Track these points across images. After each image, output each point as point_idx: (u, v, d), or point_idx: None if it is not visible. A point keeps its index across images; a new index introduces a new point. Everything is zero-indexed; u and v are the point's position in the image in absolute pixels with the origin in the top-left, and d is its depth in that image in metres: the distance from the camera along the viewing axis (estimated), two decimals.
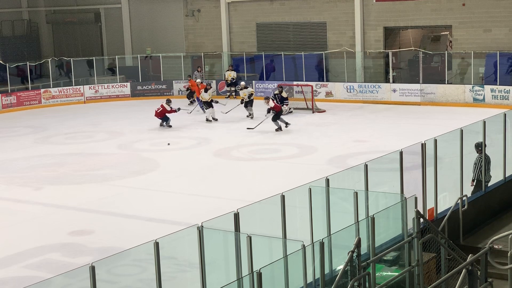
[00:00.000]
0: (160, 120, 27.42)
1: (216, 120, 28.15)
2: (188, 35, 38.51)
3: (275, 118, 25.43)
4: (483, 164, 14.40)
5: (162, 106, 27.37)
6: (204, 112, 28.75)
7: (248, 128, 25.73)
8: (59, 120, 30.16)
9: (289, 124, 25.70)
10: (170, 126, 27.20)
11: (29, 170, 21.23)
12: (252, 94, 28.95)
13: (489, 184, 14.68)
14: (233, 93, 33.76)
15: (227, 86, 34.34)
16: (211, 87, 29.91)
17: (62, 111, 32.66)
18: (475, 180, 14.59)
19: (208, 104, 28.10)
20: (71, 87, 35.23)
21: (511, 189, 15.03)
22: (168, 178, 19.65)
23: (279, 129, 25.48)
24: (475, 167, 14.51)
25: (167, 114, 27.27)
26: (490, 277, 8.98)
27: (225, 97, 33.23)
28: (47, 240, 14.88)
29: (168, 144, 23.69)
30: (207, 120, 28.15)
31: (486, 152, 14.54)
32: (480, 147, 14.52)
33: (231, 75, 34.21)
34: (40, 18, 44.82)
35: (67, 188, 19.13)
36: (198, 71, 34.81)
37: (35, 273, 12.80)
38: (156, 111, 27.36)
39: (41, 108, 33.76)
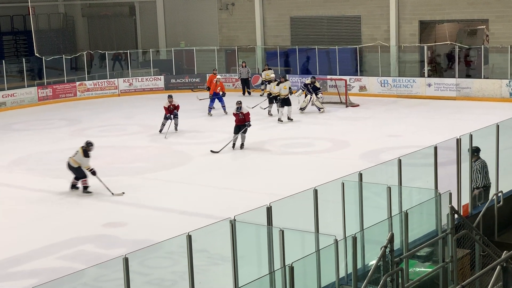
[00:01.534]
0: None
1: (291, 120, 26.53)
2: (221, 28, 38.55)
3: (237, 131, 21.98)
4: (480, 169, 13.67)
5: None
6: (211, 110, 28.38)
7: (212, 151, 21.51)
8: (93, 112, 30.42)
9: (243, 145, 22.25)
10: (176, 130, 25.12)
11: (63, 162, 21.39)
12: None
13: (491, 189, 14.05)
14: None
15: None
16: (285, 80, 27.66)
17: (96, 104, 32.94)
18: (481, 187, 13.75)
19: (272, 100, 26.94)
20: (105, 80, 35.52)
21: None
22: (201, 172, 19.71)
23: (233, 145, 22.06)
24: (479, 173, 13.68)
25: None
26: None
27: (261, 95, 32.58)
28: (81, 231, 15.04)
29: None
30: (279, 120, 26.46)
31: (482, 157, 13.79)
32: (476, 152, 13.58)
33: (269, 74, 31.47)
34: (75, 11, 45.21)
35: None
36: (242, 66, 33.97)
37: (69, 264, 12.94)
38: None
39: (76, 101, 34.08)
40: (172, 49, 37.95)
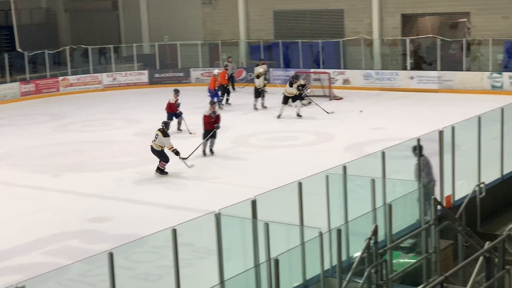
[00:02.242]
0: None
1: (300, 116, 25.78)
2: (205, 23, 38.51)
3: (207, 135, 20.56)
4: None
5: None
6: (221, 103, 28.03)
7: (181, 158, 19.04)
8: (77, 108, 30.32)
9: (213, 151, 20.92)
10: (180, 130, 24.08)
11: (48, 157, 21.38)
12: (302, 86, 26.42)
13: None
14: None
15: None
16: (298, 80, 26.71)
17: (80, 99, 32.82)
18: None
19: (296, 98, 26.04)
20: (89, 75, 35.40)
21: None
22: (185, 166, 19.69)
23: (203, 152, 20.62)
24: (419, 171, 12.90)
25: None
26: (508, 264, 8.96)
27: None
28: (66, 227, 15.02)
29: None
30: (298, 115, 25.83)
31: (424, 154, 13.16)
32: (417, 150, 13.02)
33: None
34: (58, 6, 45.00)
35: (85, 175, 19.25)
36: (229, 62, 33.07)
37: (54, 260, 12.93)
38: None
39: (59, 96, 33.95)
40: (156, 43, 37.87)
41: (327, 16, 34.91)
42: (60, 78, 34.87)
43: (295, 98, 26.05)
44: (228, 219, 9.51)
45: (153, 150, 18.45)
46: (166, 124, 18.74)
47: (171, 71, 36.33)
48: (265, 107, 27.89)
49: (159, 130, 18.45)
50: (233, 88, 32.39)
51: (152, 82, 35.90)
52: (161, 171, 18.54)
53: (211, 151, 20.57)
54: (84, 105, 30.86)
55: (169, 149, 18.34)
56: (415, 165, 12.68)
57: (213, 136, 20.45)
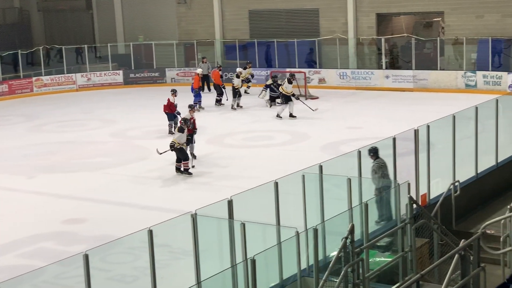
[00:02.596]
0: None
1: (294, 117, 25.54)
2: (180, 22, 38.39)
3: (188, 143, 19.30)
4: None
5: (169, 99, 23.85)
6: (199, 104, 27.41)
7: (158, 151, 19.44)
8: (51, 108, 30.07)
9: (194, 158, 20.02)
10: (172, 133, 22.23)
11: (22, 158, 21.19)
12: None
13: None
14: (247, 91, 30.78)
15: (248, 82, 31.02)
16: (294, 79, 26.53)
17: (54, 99, 32.55)
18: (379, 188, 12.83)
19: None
20: (63, 75, 35.08)
21: (503, 174, 15.11)
22: (161, 166, 19.62)
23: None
24: (375, 173, 12.78)
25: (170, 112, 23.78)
26: (483, 262, 9.03)
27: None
28: (41, 229, 14.88)
29: (160, 153, 19.39)
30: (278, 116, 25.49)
31: (380, 157, 13.08)
32: (372, 152, 13.00)
33: (250, 72, 31.00)
34: (31, 6, 44.61)
35: (60, 176, 19.11)
36: (203, 62, 32.69)
37: (29, 262, 12.81)
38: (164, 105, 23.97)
39: (33, 97, 33.63)
40: (131, 43, 37.67)
41: (303, 15, 34.96)
42: (34, 78, 34.55)
43: (287, 97, 25.57)
44: (205, 220, 9.48)
45: (174, 148, 18.45)
46: (185, 121, 18.92)
47: (146, 71, 36.16)
48: (241, 106, 27.85)
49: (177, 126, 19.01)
50: (209, 89, 31.97)
51: (127, 82, 35.71)
52: (185, 170, 18.41)
53: (193, 156, 19.71)
54: (59, 106, 30.62)
55: (173, 145, 18.43)
56: (371, 168, 12.64)
57: (191, 141, 19.54)
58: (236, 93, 27.84)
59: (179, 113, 23.12)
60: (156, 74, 35.99)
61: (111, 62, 36.60)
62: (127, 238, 9.62)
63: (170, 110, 23.60)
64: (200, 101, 27.91)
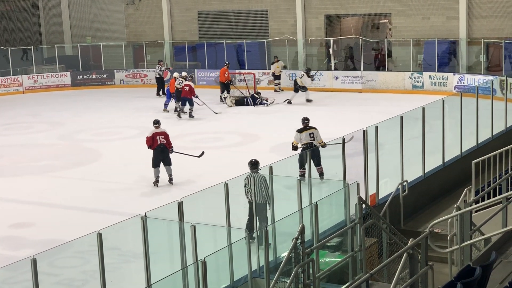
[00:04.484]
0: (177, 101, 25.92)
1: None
2: (129, 23, 38.10)
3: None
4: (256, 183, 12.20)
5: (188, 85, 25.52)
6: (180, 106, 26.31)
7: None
8: None
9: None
10: (192, 116, 25.76)
11: None
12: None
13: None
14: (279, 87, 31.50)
15: (274, 79, 31.74)
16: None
17: (0, 102, 31.97)
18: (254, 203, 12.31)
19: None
20: (8, 77, 34.48)
21: (449, 173, 15.37)
22: (111, 169, 19.46)
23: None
24: (252, 187, 12.23)
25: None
26: (431, 260, 9.16)
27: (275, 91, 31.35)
28: None
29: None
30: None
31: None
32: (253, 164, 12.88)
33: (279, 66, 31.51)
34: None
35: (6, 180, 18.78)
36: (160, 65, 31.84)
37: None
38: (184, 90, 25.54)
39: None
40: (78, 44, 37.23)
41: (252, 16, 35.04)
42: None
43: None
44: (155, 222, 9.43)
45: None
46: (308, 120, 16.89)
47: (94, 73, 35.78)
48: (190, 114, 26.94)
49: None
50: (163, 92, 30.45)
51: (75, 84, 35.29)
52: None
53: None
54: (4, 108, 30.07)
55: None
56: (259, 179, 12.20)
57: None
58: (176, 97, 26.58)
59: (197, 96, 25.72)
60: (105, 76, 35.64)
61: (58, 63, 36.10)
62: (75, 242, 9.51)
63: (192, 94, 25.49)
64: (167, 104, 27.42)
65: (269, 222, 11.49)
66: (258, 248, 9.82)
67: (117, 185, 17.85)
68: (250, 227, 11.73)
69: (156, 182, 17.22)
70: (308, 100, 28.23)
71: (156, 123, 17.65)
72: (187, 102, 25.94)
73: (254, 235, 10.26)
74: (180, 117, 26.12)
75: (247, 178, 12.37)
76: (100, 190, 17.50)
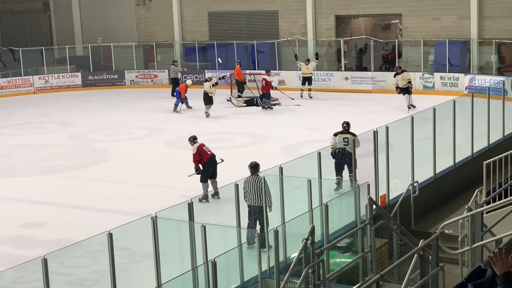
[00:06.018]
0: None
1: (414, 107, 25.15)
2: (139, 24, 38.16)
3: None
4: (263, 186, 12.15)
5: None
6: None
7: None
8: (8, 111, 29.62)
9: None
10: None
11: None
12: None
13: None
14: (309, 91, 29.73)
15: (303, 83, 29.88)
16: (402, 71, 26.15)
17: (11, 102, 32.07)
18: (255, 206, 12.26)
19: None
20: (20, 77, 34.58)
21: (460, 174, 15.31)
22: (121, 169, 19.50)
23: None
24: (257, 190, 12.16)
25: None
26: (441, 261, 9.13)
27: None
28: None
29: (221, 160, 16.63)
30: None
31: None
32: (253, 167, 12.94)
33: (309, 68, 29.70)
34: None
35: (17, 180, 18.84)
36: (174, 65, 31.88)
37: None
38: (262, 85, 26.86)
39: None
40: (89, 45, 37.32)
41: (262, 17, 35.02)
42: None
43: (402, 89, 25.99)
44: (165, 222, 9.44)
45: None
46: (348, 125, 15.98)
47: (105, 73, 35.85)
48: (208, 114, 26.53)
49: None
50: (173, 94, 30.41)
51: (86, 84, 35.37)
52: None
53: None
54: (15, 109, 30.18)
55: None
56: (258, 181, 12.20)
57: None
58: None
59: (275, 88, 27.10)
60: (115, 76, 35.70)
61: (69, 64, 36.20)
62: (86, 242, 9.54)
63: (269, 89, 26.43)
64: (177, 105, 27.43)
65: (275, 224, 11.48)
66: (268, 249, 9.81)
67: (128, 185, 17.89)
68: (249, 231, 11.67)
69: (206, 198, 15.11)
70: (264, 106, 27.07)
71: (195, 139, 16.55)
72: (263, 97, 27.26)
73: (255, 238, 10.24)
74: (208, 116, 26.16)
75: (246, 181, 12.32)
76: (111, 190, 17.55)
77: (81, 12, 40.04)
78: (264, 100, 27.72)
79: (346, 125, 15.84)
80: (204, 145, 16.33)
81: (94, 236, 8.85)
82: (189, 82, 28.22)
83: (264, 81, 27.58)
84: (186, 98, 27.49)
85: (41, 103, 31.46)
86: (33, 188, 17.89)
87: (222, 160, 16.11)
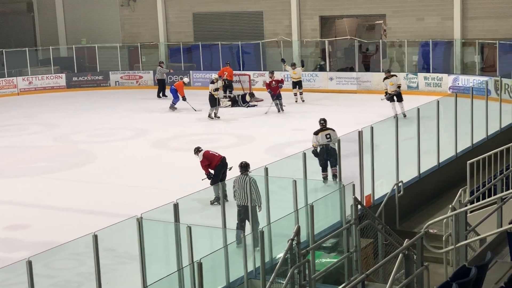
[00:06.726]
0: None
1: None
2: (124, 25, 38.07)
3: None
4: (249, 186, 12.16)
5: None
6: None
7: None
8: None
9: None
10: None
11: None
12: None
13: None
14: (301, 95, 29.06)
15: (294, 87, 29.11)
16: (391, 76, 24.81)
17: None
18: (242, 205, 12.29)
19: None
20: (3, 78, 34.40)
21: (444, 174, 15.40)
22: (106, 170, 19.45)
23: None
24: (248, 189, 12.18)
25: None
26: (426, 261, 9.17)
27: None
28: None
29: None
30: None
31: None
32: (243, 167, 13.18)
33: (296, 72, 28.87)
34: None
35: (1, 182, 18.74)
36: (161, 66, 31.91)
37: None
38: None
39: None
40: (73, 46, 37.16)
41: (247, 18, 35.04)
42: None
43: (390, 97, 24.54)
44: (150, 223, 9.42)
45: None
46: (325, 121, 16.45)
47: (89, 75, 35.73)
48: (218, 117, 26.21)
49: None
50: (165, 96, 30.82)
51: (70, 85, 35.23)
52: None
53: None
54: None
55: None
56: (249, 181, 12.17)
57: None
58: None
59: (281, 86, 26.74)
60: (100, 77, 35.60)
61: (54, 65, 36.04)
62: (71, 244, 9.50)
63: (277, 90, 26.35)
64: (175, 103, 27.69)
65: (260, 225, 11.48)
66: (254, 249, 9.83)
67: (113, 187, 17.84)
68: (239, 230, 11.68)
69: (218, 200, 13.80)
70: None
71: (198, 149, 16.13)
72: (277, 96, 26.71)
73: (250, 237, 10.25)
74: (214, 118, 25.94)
75: (236, 180, 12.33)
76: (96, 192, 17.49)
77: (65, 13, 39.88)
78: (250, 99, 27.98)
79: (324, 122, 16.29)
80: (210, 151, 16.17)
81: (79, 238, 8.82)
82: (186, 80, 28.57)
83: (273, 82, 26.69)
84: (184, 97, 27.40)
85: (25, 105, 31.31)
86: (17, 190, 17.80)
87: (231, 168, 15.70)
